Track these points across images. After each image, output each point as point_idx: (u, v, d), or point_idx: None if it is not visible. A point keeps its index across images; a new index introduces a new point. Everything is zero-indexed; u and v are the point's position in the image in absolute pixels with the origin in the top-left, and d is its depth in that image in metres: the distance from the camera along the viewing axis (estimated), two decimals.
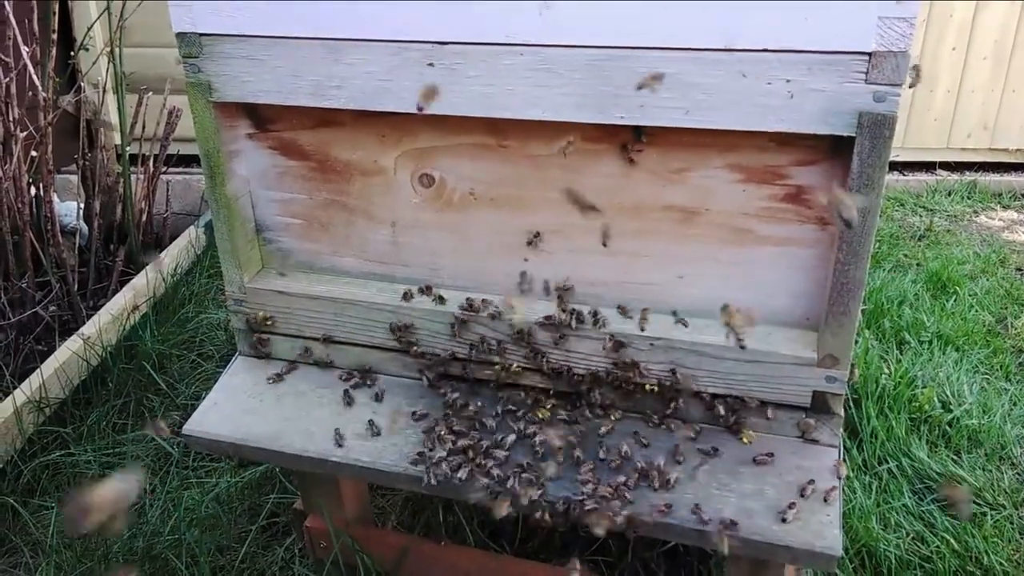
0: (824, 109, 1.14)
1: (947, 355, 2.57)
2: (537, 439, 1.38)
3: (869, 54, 1.09)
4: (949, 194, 4.03)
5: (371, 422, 1.46)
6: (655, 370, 1.39)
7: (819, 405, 1.34)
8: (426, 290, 1.50)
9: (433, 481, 1.35)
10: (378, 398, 1.52)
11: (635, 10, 1.15)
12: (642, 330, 1.37)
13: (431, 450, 1.39)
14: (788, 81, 1.13)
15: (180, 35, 1.36)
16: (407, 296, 1.49)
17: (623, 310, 1.41)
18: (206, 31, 1.35)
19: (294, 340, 1.59)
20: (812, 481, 1.30)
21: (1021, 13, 3.88)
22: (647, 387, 1.39)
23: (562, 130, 1.29)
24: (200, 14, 1.34)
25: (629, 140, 1.29)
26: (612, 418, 1.43)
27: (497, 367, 1.47)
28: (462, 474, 1.34)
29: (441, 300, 1.48)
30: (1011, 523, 1.96)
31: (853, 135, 1.14)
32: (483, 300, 1.45)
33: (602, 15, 1.17)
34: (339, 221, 1.52)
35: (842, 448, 1.37)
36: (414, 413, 1.47)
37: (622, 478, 1.32)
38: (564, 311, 1.41)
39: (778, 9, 1.10)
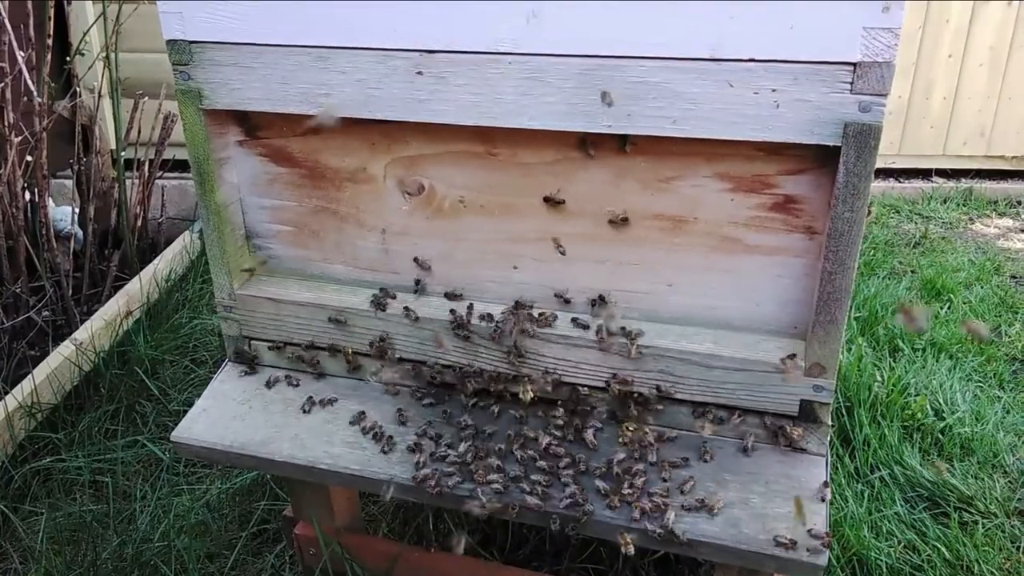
0: (810, 119, 1.14)
1: (940, 363, 2.57)
2: (529, 447, 1.38)
3: (854, 64, 1.09)
4: (944, 201, 4.03)
5: (361, 429, 1.46)
6: (643, 378, 1.39)
7: (807, 414, 1.34)
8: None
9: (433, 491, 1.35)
10: (367, 405, 1.51)
11: (622, 19, 1.15)
12: (631, 337, 1.37)
13: (420, 460, 1.39)
14: (774, 91, 1.14)
15: (170, 42, 1.36)
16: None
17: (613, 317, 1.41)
18: (196, 38, 1.35)
19: (283, 347, 1.58)
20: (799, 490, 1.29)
21: (1017, 20, 3.89)
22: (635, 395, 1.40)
23: (551, 138, 1.30)
24: (190, 21, 1.34)
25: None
26: (595, 425, 1.43)
27: (487, 376, 1.47)
28: (455, 483, 1.35)
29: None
30: (1003, 531, 1.96)
31: (839, 145, 1.14)
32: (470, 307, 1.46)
33: (589, 24, 1.17)
34: (329, 228, 1.52)
35: (829, 459, 1.36)
36: (404, 420, 1.47)
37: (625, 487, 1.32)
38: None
39: (764, 19, 1.10)
